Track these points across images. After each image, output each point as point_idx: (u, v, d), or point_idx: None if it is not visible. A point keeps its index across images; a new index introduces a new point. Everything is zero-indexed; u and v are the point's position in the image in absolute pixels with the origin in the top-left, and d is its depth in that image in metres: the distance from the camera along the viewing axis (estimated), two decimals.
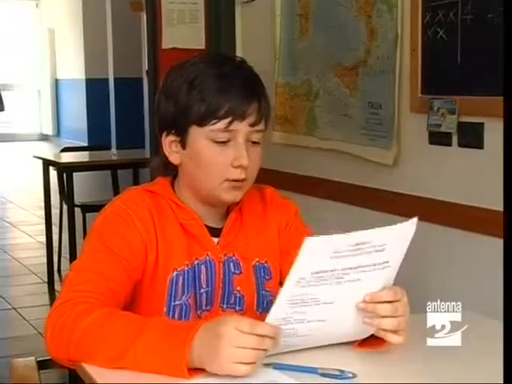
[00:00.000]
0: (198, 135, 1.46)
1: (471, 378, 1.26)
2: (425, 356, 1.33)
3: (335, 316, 1.29)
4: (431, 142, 2.61)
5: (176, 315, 1.47)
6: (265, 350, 1.20)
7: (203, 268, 1.50)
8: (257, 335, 1.18)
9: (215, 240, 1.53)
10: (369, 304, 1.28)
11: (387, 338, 1.31)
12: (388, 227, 1.25)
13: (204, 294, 1.50)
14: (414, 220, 1.27)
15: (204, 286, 1.50)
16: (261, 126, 1.48)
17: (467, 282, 2.49)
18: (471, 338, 1.34)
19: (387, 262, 1.27)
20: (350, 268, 1.24)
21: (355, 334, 1.35)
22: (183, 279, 1.47)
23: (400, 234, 1.28)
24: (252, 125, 1.46)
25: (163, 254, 1.47)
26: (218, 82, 1.44)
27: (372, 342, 1.35)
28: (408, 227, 1.28)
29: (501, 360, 1.20)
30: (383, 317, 1.29)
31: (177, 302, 1.47)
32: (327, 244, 1.21)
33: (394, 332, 1.30)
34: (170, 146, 1.51)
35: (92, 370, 1.25)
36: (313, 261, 1.21)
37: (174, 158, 1.52)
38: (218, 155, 1.45)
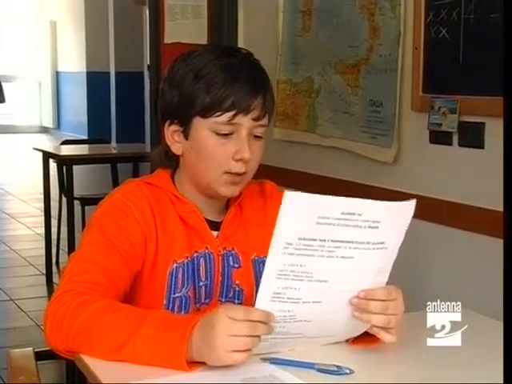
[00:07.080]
0: (202, 126, 1.46)
1: (471, 377, 1.25)
2: (423, 353, 1.33)
3: (331, 299, 1.27)
4: (432, 141, 2.60)
5: (176, 308, 1.47)
6: (258, 336, 1.19)
7: (202, 261, 1.50)
8: (249, 322, 1.18)
9: (214, 233, 1.53)
10: (361, 300, 1.28)
11: (380, 335, 1.31)
12: (380, 202, 1.21)
13: (203, 287, 1.50)
14: (413, 202, 1.23)
15: (203, 279, 1.50)
16: (264, 121, 1.48)
17: (467, 281, 2.49)
18: (471, 337, 1.34)
19: (383, 242, 1.24)
20: (342, 241, 1.21)
21: (352, 327, 1.34)
22: (183, 271, 1.48)
23: (396, 214, 1.24)
24: (256, 119, 1.46)
25: (163, 246, 1.47)
26: (225, 73, 1.43)
27: (365, 338, 1.35)
28: (405, 208, 1.24)
29: (501, 360, 1.19)
30: (373, 313, 1.28)
31: (176, 295, 1.47)
32: (309, 202, 1.17)
33: (385, 330, 1.30)
34: (172, 135, 1.51)
35: (90, 362, 1.25)
36: (297, 221, 1.17)
37: (175, 149, 1.51)
38: (219, 147, 1.45)
